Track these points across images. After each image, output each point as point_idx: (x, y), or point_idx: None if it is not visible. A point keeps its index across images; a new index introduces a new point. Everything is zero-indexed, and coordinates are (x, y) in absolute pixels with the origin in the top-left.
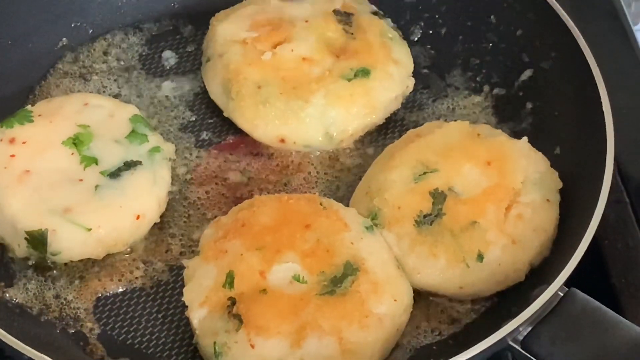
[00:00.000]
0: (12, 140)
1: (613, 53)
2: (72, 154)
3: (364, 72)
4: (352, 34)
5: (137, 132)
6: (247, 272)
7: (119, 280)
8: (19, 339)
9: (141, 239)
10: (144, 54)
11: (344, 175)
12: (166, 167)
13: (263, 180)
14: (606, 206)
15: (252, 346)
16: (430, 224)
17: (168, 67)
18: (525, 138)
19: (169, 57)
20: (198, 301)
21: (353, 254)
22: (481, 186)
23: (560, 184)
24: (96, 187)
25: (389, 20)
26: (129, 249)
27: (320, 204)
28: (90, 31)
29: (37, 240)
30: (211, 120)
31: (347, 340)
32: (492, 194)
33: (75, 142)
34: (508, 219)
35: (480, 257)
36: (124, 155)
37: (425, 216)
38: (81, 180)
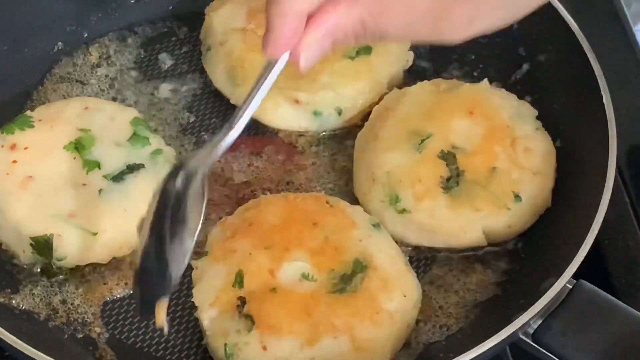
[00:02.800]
0: (13, 146)
1: (613, 53)
2: (74, 158)
3: (365, 50)
4: None
5: (138, 134)
6: (256, 271)
7: (126, 283)
8: (30, 346)
9: None
10: (140, 56)
11: (346, 174)
12: (169, 170)
13: (265, 180)
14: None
15: (264, 347)
16: (457, 185)
17: (165, 69)
18: (485, 80)
19: (166, 59)
20: (208, 301)
21: (361, 251)
22: (478, 134)
23: (535, 111)
24: (100, 191)
25: None
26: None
27: (327, 202)
28: (85, 35)
29: (43, 246)
30: (210, 121)
31: (359, 337)
32: (492, 137)
33: (77, 146)
34: (518, 154)
35: (518, 198)
36: (126, 158)
37: (448, 179)
38: (84, 184)
